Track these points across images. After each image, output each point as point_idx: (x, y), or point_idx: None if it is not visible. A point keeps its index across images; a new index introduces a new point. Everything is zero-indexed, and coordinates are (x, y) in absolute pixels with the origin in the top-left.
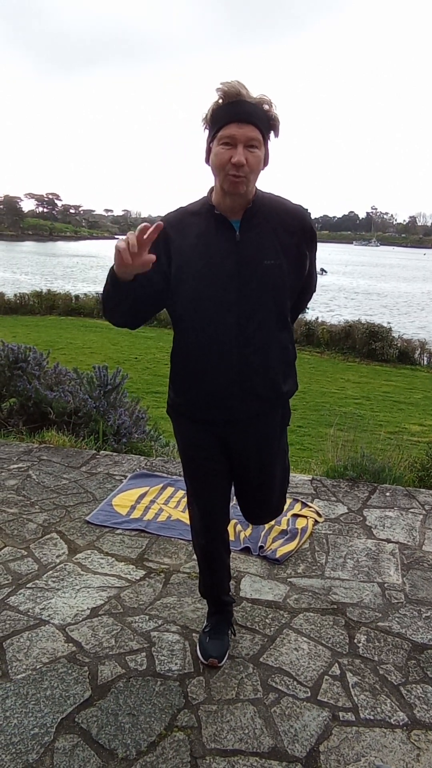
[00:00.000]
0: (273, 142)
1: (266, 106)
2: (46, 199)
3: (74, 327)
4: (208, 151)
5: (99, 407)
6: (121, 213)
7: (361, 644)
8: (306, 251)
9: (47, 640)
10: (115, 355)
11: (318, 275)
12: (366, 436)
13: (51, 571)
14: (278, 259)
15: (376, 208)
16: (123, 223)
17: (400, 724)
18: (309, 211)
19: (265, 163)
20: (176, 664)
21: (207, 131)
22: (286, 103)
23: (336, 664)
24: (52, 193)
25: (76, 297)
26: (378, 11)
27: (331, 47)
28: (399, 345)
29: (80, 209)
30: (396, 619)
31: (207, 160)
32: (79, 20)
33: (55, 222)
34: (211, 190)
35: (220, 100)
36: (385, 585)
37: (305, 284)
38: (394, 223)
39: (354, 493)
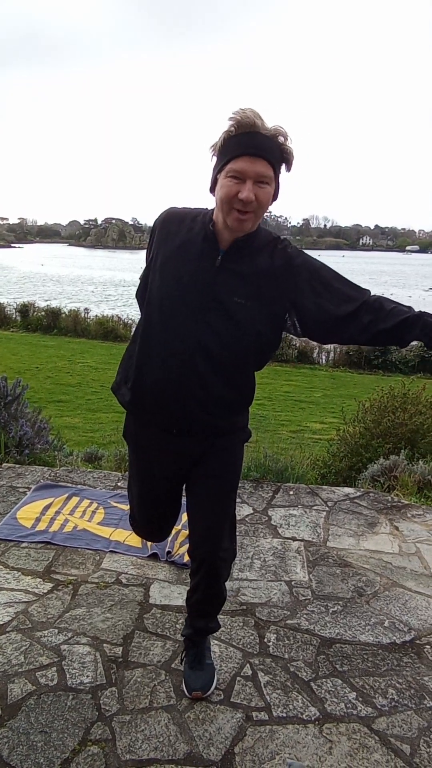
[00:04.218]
0: (284, 175)
1: (281, 139)
2: None
3: None
4: (214, 181)
5: None
6: (17, 221)
7: (271, 643)
8: (296, 293)
9: None
10: (15, 365)
11: None
12: (268, 436)
13: None
14: (250, 300)
15: (270, 212)
16: (19, 231)
17: (312, 719)
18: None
19: (274, 198)
20: (88, 676)
21: (215, 159)
22: (202, 102)
23: (247, 665)
24: None
25: None
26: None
27: (240, 53)
28: (298, 345)
29: None
30: (304, 615)
31: (211, 190)
32: None
33: None
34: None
35: (233, 129)
36: (293, 583)
37: (338, 310)
38: (288, 225)
39: (258, 494)
